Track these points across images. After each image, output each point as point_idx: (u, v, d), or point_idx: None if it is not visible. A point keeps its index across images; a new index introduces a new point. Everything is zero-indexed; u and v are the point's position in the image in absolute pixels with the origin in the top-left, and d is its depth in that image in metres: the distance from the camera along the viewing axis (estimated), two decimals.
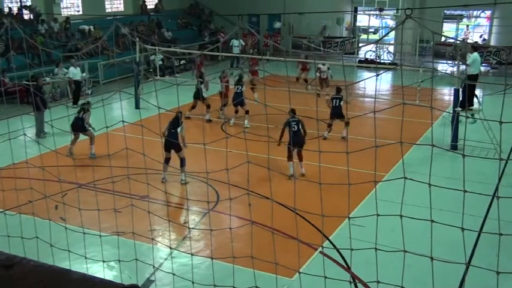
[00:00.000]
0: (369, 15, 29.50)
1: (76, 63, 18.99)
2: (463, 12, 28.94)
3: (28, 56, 18.27)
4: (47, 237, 6.00)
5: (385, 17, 29.87)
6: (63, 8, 25.94)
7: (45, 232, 6.14)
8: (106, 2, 28.04)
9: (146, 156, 6.27)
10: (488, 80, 21.47)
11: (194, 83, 19.14)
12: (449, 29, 29.49)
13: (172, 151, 11.62)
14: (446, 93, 20.06)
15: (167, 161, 11.59)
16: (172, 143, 11.27)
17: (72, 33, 23.91)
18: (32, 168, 8.98)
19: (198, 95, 16.08)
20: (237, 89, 15.89)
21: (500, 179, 10.33)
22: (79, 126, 13.05)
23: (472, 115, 14.23)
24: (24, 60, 16.10)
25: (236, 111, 16.08)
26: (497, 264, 4.02)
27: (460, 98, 14.06)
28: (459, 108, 14.14)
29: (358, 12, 30.28)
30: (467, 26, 28.90)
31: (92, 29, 24.42)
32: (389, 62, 26.50)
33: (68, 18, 24.53)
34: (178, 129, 11.72)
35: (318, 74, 19.35)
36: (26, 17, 23.61)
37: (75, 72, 18.74)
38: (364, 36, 30.59)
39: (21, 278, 2.08)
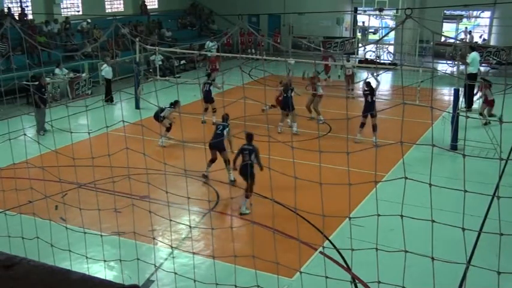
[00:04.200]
0: (369, 15, 29.50)
1: (110, 62, 19.27)
2: (463, 13, 28.95)
3: (28, 56, 18.30)
4: (48, 237, 6.01)
5: (385, 17, 29.87)
6: (63, 8, 25.95)
7: (46, 232, 6.14)
8: (106, 2, 28.06)
9: (146, 156, 6.27)
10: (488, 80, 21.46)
11: (194, 83, 19.13)
12: (449, 29, 29.51)
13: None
14: (446, 93, 20.06)
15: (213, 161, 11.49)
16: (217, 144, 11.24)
17: (72, 33, 23.92)
18: (32, 168, 8.98)
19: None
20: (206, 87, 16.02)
21: (500, 179, 10.33)
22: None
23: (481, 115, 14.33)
24: (24, 60, 16.14)
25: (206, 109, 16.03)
26: (498, 264, 4.02)
27: (462, 98, 14.09)
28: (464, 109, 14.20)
29: (358, 12, 30.29)
30: (466, 28, 28.88)
31: (87, 25, 24.48)
32: (389, 62, 26.50)
33: (67, 18, 24.55)
34: (225, 131, 11.50)
35: (343, 71, 19.34)
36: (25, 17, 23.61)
37: (107, 70, 18.97)
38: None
39: (21, 278, 2.08)
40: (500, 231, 4.02)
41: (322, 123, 15.78)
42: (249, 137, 10.29)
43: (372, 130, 14.12)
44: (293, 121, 15.33)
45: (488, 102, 15.39)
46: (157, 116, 13.96)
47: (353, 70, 19.05)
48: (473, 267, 6.04)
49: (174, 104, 14.14)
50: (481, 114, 15.25)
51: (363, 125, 14.30)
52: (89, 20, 24.55)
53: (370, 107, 14.02)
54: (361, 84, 18.66)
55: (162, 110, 13.92)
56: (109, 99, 18.90)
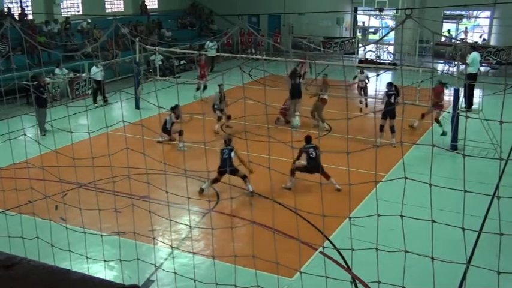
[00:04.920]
0: (369, 15, 29.51)
1: (98, 62, 19.22)
2: (463, 12, 28.96)
3: (28, 56, 18.30)
4: (48, 237, 6.01)
5: (385, 17, 29.88)
6: (63, 8, 25.96)
7: (46, 232, 6.14)
8: (106, 2, 28.06)
9: (146, 156, 6.28)
10: (488, 80, 21.45)
11: (194, 83, 19.12)
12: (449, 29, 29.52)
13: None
14: (446, 93, 20.02)
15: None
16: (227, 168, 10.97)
17: (72, 33, 23.94)
18: (32, 168, 8.98)
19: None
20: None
21: (500, 179, 10.33)
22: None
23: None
24: (24, 60, 16.14)
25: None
26: (498, 264, 4.02)
27: (462, 98, 14.09)
28: (464, 109, 14.18)
29: (358, 12, 30.31)
30: (466, 28, 28.91)
31: (87, 25, 24.48)
32: (389, 62, 26.51)
33: (67, 18, 24.56)
34: (232, 154, 11.16)
35: (351, 81, 18.59)
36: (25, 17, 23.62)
37: (97, 72, 18.86)
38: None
39: (21, 278, 2.08)
40: (500, 231, 4.02)
41: (325, 130, 15.46)
42: (308, 138, 11.53)
43: (390, 132, 14.10)
44: (296, 111, 15.21)
45: (440, 106, 14.76)
46: (166, 129, 14.06)
47: (366, 82, 18.51)
48: (473, 267, 6.03)
49: (174, 109, 13.96)
50: (437, 121, 14.73)
51: (382, 127, 14.10)
52: (89, 20, 24.56)
53: (391, 109, 13.92)
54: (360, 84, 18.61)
55: (166, 122, 14.08)
56: (104, 100, 18.87)
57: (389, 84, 14.64)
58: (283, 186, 11.32)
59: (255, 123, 15.07)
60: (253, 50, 29.50)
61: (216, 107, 15.44)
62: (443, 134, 14.31)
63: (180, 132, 13.95)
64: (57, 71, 19.76)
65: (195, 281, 5.33)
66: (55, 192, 9.03)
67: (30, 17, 23.72)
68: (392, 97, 14.35)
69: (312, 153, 11.19)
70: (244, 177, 11.13)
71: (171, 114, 14.02)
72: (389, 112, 13.88)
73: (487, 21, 28.94)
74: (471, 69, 15.22)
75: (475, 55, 15.70)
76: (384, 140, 13.90)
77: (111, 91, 19.05)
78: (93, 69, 19.08)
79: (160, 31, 27.71)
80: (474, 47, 17.77)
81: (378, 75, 17.35)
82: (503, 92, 5.22)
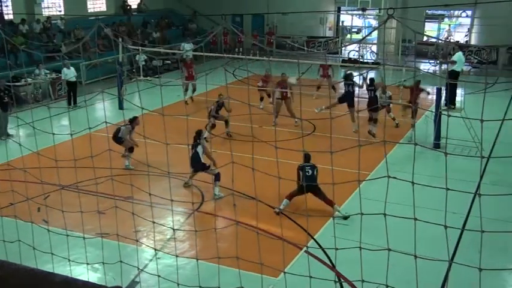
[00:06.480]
0: (352, 15, 29.67)
1: (68, 63, 18.97)
2: (445, 12, 29.29)
3: (8, 57, 18.05)
4: (30, 240, 5.93)
5: (368, 16, 30.07)
6: (44, 7, 25.66)
7: (28, 235, 6.07)
8: (88, 2, 27.80)
9: (129, 157, 6.23)
10: (469, 79, 21.70)
11: (177, 84, 19.05)
12: (431, 29, 29.84)
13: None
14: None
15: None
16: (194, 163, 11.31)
17: (54, 33, 23.68)
18: (13, 170, 8.86)
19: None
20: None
21: (481, 177, 10.45)
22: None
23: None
24: (4, 61, 15.91)
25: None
26: (480, 261, 4.07)
27: (444, 96, 14.29)
28: (445, 107, 14.37)
29: (341, 12, 30.45)
30: (449, 25, 29.25)
31: (61, 21, 24.23)
32: (372, 61, 26.68)
33: (48, 18, 24.28)
34: (198, 149, 11.23)
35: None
36: (5, 17, 23.31)
37: (67, 73, 18.62)
38: None
39: (2, 281, 2.05)
40: (482, 228, 4.06)
41: (297, 125, 15.76)
42: (307, 156, 10.23)
43: (368, 121, 14.89)
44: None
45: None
46: (116, 138, 12.47)
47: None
48: (456, 264, 6.09)
49: (132, 121, 12.63)
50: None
51: (371, 119, 14.85)
52: (62, 16, 24.28)
53: (374, 102, 14.70)
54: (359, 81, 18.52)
55: (119, 130, 12.49)
56: (73, 102, 18.70)
57: (370, 80, 15.14)
58: (275, 211, 10.29)
59: (240, 123, 15.07)
60: (240, 49, 29.52)
61: (212, 113, 14.78)
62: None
63: (130, 149, 12.65)
64: (37, 71, 19.54)
65: (178, 284, 5.31)
66: (37, 194, 8.92)
67: (10, 17, 23.40)
68: (371, 92, 14.88)
69: (308, 171, 10.10)
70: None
71: (127, 125, 12.53)
72: (372, 105, 14.64)
73: (467, 21, 29.29)
74: (455, 67, 15.43)
75: (460, 54, 15.93)
76: (365, 139, 13.94)
77: (94, 91, 18.88)
78: (64, 70, 18.81)
79: (144, 31, 27.54)
80: (459, 46, 18.03)
81: (361, 74, 17.38)
82: (484, 91, 5.28)
